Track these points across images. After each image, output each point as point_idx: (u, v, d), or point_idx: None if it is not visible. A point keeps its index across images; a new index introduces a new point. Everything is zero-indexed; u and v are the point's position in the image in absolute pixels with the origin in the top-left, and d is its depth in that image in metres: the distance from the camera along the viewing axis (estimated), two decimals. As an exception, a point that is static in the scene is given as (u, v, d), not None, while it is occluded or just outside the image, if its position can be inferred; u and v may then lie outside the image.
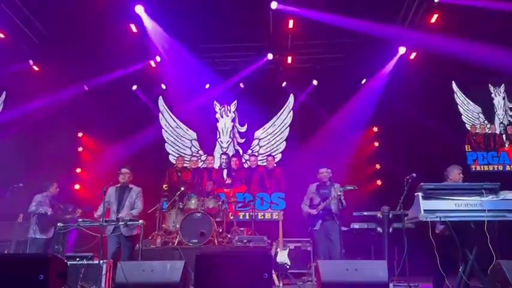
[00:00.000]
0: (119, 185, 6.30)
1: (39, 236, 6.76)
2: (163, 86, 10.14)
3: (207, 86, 10.12)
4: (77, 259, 5.45)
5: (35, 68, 9.13)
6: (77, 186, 9.56)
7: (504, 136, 9.67)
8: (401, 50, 8.98)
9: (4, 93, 9.82)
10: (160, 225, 7.71)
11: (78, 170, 9.78)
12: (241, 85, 10.04)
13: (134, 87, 9.99)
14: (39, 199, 6.93)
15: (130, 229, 5.96)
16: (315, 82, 9.93)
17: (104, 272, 5.34)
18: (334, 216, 6.30)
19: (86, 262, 5.42)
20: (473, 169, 9.39)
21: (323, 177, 6.51)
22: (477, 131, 9.70)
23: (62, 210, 7.16)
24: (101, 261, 5.36)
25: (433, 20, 8.05)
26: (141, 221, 5.95)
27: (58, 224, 6.03)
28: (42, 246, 6.75)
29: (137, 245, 6.08)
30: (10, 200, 6.98)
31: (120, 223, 5.85)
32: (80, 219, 5.99)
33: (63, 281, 4.16)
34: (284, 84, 10.08)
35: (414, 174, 5.70)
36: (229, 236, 7.55)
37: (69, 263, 4.81)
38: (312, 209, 6.45)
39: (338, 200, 6.34)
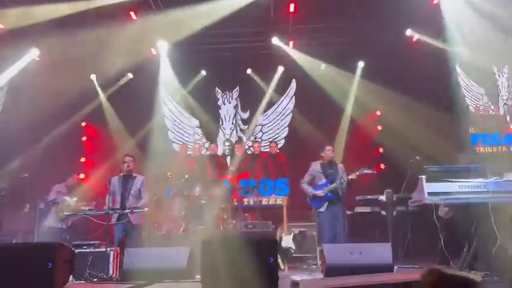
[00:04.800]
0: (122, 174, 6.33)
1: (54, 225, 6.81)
2: (165, 74, 10.08)
3: (203, 72, 10.07)
4: (84, 247, 5.53)
5: (37, 58, 9.11)
6: (81, 176, 9.60)
7: (508, 117, 9.59)
8: (408, 32, 8.90)
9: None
10: (166, 213, 7.76)
11: (83, 160, 9.81)
12: (249, 71, 9.99)
13: (130, 75, 9.94)
14: (58, 189, 7.00)
15: (138, 217, 6.02)
16: (322, 67, 9.82)
17: (111, 259, 5.41)
18: (341, 199, 6.18)
19: (93, 250, 5.50)
20: (477, 151, 9.35)
21: (328, 156, 6.36)
22: (481, 112, 9.63)
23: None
24: (108, 249, 5.43)
25: (435, 1, 7.97)
26: (146, 209, 6.01)
27: (64, 213, 6.10)
28: (58, 234, 6.77)
29: (143, 232, 6.15)
30: (16, 190, 7.03)
31: (126, 211, 5.91)
32: (86, 208, 6.06)
33: (71, 269, 4.22)
34: (282, 69, 10.01)
35: (418, 157, 5.70)
36: (234, 221, 7.60)
37: (76, 251, 4.87)
38: (317, 189, 6.30)
39: (348, 181, 6.15)
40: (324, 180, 6.29)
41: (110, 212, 5.66)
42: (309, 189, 6.35)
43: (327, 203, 6.20)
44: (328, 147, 6.44)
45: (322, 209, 6.22)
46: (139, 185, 6.29)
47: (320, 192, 6.25)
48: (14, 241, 7.26)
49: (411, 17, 8.52)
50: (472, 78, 9.83)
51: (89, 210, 5.92)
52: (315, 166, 6.45)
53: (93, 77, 9.72)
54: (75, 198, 7.15)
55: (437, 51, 9.03)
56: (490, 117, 9.50)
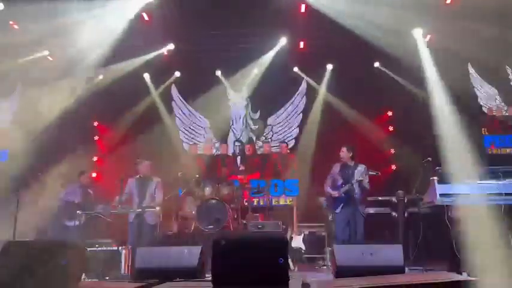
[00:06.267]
0: (138, 176, 6.43)
1: (68, 223, 6.92)
2: (176, 74, 10.16)
3: (218, 73, 10.11)
4: (97, 246, 5.60)
5: (50, 58, 9.23)
6: (93, 175, 9.70)
7: (522, 118, 9.46)
8: (417, 32, 8.82)
9: (20, 83, 9.97)
10: (176, 212, 7.82)
11: (95, 159, 9.92)
12: (255, 71, 10.01)
13: (146, 76, 10.04)
14: (69, 188, 7.13)
15: (154, 218, 6.10)
16: (329, 67, 9.83)
17: (123, 258, 5.48)
18: (357, 201, 6.20)
19: (105, 248, 5.57)
20: (490, 152, 9.23)
21: (342, 157, 6.41)
22: (494, 113, 9.51)
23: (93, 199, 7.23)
24: (120, 248, 5.50)
25: (448, 1, 7.90)
26: (157, 208, 6.08)
27: (77, 211, 6.19)
28: (70, 232, 6.86)
29: (155, 232, 6.21)
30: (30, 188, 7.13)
31: (138, 210, 5.98)
32: (99, 207, 6.14)
33: (84, 267, 4.28)
34: (296, 69, 10.02)
35: (430, 159, 5.66)
36: (244, 222, 7.62)
37: (89, 249, 4.94)
38: (335, 190, 6.34)
39: (360, 183, 6.21)
40: (340, 182, 6.34)
41: (123, 211, 5.73)
42: (328, 190, 6.46)
43: (341, 204, 6.25)
44: (342, 149, 6.48)
45: (338, 210, 6.29)
46: (154, 186, 6.42)
47: (335, 193, 6.31)
48: (27, 239, 7.35)
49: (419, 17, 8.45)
50: (485, 79, 9.72)
51: (103, 209, 6.01)
52: (335, 168, 6.52)
53: (100, 77, 9.80)
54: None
55: (450, 51, 8.94)
56: (503, 118, 9.38)
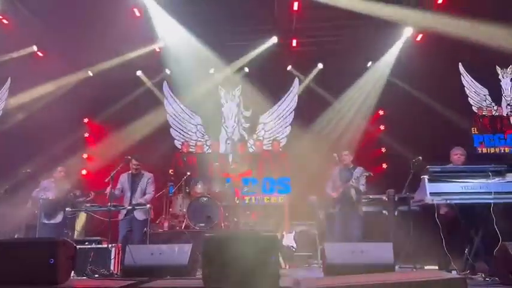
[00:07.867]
0: (130, 172, 6.41)
1: (46, 221, 6.77)
2: (168, 71, 10.10)
3: (211, 70, 10.06)
4: (86, 243, 5.55)
5: (39, 53, 9.12)
6: (83, 172, 9.62)
7: (511, 118, 9.57)
8: (408, 31, 8.86)
9: (9, 79, 9.85)
10: (167, 210, 7.78)
11: (85, 156, 9.83)
12: (246, 69, 9.98)
13: (139, 73, 9.98)
14: (44, 185, 6.97)
15: (143, 213, 6.05)
16: (320, 65, 9.86)
17: (112, 255, 5.43)
18: (354, 201, 6.35)
19: (94, 246, 5.52)
20: (480, 151, 9.33)
21: (344, 160, 6.62)
22: (484, 113, 9.60)
23: (71, 195, 7.10)
24: (110, 245, 5.45)
25: (440, 1, 7.94)
26: (148, 205, 6.04)
27: (66, 209, 6.12)
28: (49, 231, 6.69)
29: (145, 229, 6.17)
30: (19, 185, 7.04)
31: (128, 207, 5.94)
32: (88, 204, 6.07)
33: (73, 265, 4.23)
34: (289, 67, 10.02)
35: (420, 157, 5.70)
36: (235, 219, 7.60)
37: (78, 247, 4.88)
38: (334, 192, 6.55)
39: (356, 185, 6.37)
40: (339, 183, 6.55)
41: (112, 208, 5.69)
42: (328, 191, 6.68)
43: (339, 205, 6.45)
44: (344, 152, 6.71)
45: (335, 210, 6.51)
46: (145, 181, 6.38)
47: (334, 194, 6.53)
48: (16, 236, 7.26)
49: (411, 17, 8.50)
50: (475, 79, 9.80)
51: (91, 206, 5.94)
52: (335, 170, 6.74)
53: (90, 72, 9.72)
54: (92, 193, 7.16)
55: (440, 50, 9.00)
56: (493, 118, 9.47)
